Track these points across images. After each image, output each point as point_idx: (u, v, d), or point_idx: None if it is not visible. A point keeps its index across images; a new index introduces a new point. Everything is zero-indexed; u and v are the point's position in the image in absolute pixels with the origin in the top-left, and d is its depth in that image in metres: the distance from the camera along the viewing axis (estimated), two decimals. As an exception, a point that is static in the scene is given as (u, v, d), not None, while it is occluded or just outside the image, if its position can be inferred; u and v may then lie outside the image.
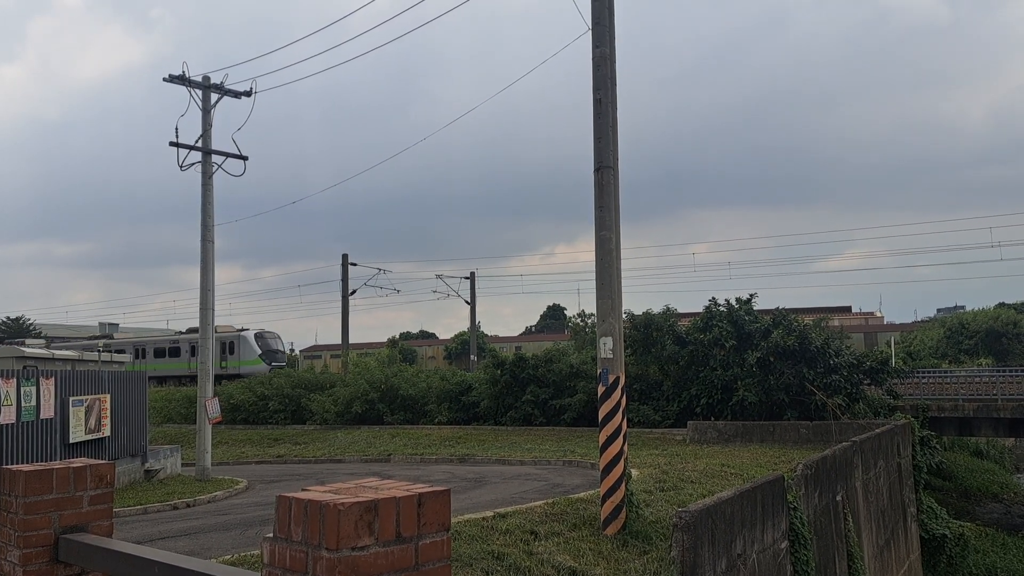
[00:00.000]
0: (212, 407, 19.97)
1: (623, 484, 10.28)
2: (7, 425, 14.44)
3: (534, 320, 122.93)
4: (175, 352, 49.06)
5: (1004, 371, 28.79)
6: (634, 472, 12.97)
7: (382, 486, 2.13)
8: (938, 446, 24.80)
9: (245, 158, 20.77)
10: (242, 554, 8.77)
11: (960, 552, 21.87)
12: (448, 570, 2.07)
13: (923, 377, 27.56)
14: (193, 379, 38.86)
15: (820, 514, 13.61)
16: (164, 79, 20.09)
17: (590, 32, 11.31)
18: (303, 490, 2.08)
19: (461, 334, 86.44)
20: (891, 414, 22.55)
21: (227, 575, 2.32)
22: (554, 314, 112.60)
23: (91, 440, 16.48)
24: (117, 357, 36.01)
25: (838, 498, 14.77)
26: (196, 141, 20.37)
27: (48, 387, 15.41)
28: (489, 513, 10.50)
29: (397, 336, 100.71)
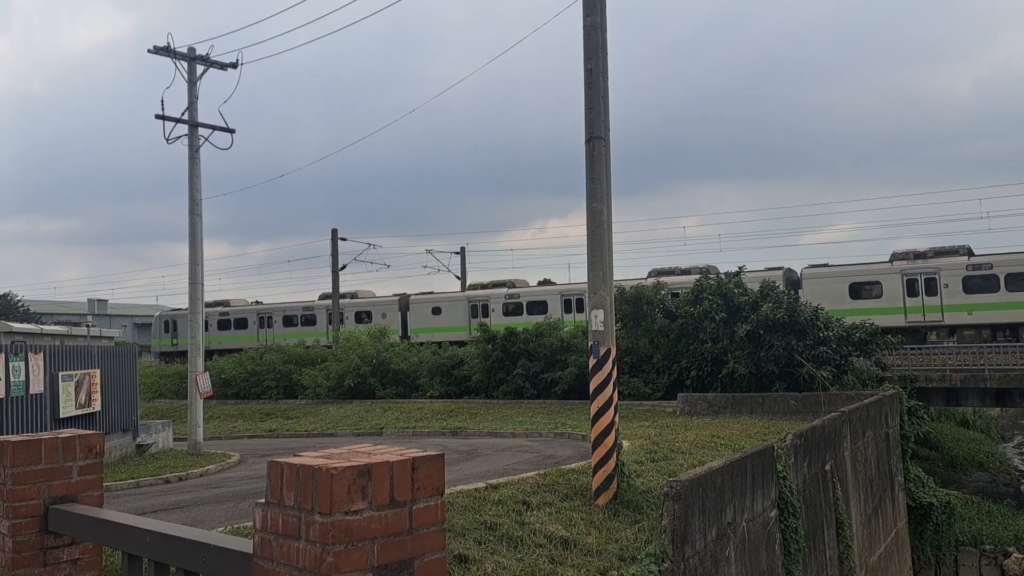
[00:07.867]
0: (203, 382, 19.94)
1: (614, 455, 10.33)
2: (-4, 400, 14.38)
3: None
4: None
5: (991, 342, 29.00)
6: (625, 443, 13.04)
7: (375, 451, 2.11)
8: (925, 416, 24.98)
9: (232, 131, 20.57)
10: (235, 526, 8.79)
11: (947, 520, 22.14)
12: (443, 535, 2.06)
13: (911, 348, 27.73)
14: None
15: (809, 483, 13.73)
16: (149, 50, 19.81)
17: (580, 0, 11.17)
18: (295, 455, 2.06)
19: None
20: (879, 385, 22.71)
21: (217, 542, 2.30)
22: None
23: (82, 415, 16.43)
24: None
25: (827, 467, 14.90)
26: (182, 114, 20.15)
27: (37, 362, 15.33)
28: (481, 484, 10.54)
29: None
